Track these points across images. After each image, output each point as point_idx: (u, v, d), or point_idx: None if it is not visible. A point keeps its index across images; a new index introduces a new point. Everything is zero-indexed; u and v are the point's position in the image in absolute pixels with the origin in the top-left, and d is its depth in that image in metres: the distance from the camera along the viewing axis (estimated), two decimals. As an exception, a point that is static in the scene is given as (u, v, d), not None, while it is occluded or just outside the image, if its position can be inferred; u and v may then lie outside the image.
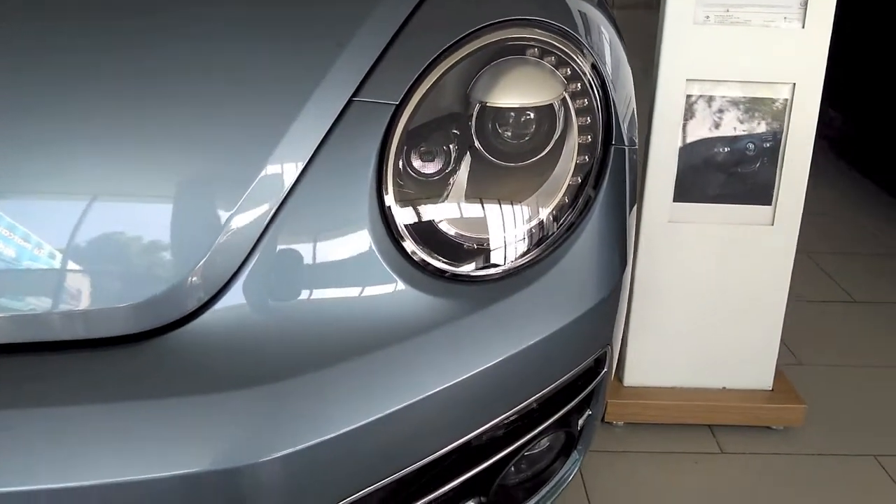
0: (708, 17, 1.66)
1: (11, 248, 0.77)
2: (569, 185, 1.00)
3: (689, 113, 1.69)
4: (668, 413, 1.77)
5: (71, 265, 0.79)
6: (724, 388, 1.81)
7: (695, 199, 1.72)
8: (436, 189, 0.94)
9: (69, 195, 0.79)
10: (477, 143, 0.97)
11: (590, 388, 1.06)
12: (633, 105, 1.15)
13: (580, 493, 1.58)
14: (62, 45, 0.83)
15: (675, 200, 1.71)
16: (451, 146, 0.96)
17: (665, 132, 1.69)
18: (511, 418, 0.94)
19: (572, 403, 1.02)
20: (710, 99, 1.69)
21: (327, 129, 0.86)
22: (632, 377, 1.80)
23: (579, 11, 1.08)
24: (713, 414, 1.78)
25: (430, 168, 0.95)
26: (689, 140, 1.70)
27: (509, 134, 0.99)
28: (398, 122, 0.90)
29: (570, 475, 1.10)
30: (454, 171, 0.96)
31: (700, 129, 1.70)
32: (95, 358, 0.77)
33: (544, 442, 1.06)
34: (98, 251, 0.79)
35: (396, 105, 0.90)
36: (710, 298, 1.76)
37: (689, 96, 1.68)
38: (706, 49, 1.65)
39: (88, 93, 0.81)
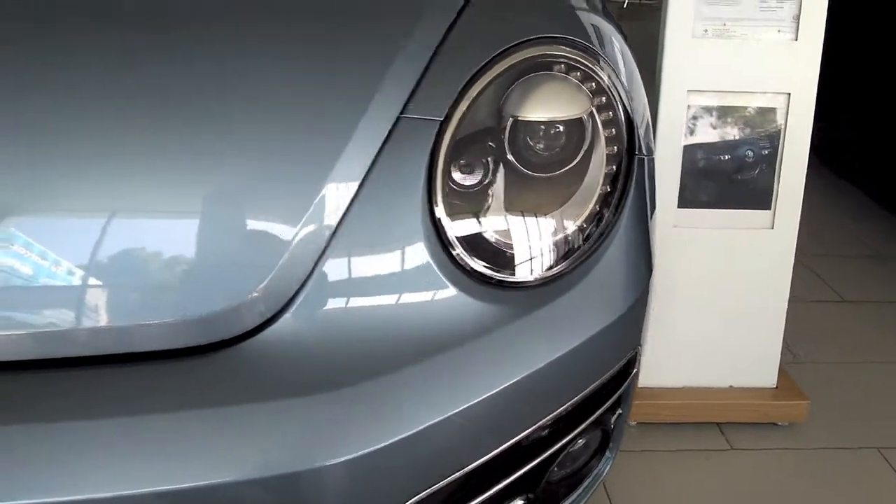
0: (706, 30, 1.74)
1: (92, 267, 0.80)
2: (599, 194, 1.05)
3: (690, 122, 1.76)
4: (679, 412, 1.83)
5: (151, 281, 0.82)
6: (730, 386, 1.87)
7: (697, 205, 1.79)
8: (476, 200, 0.99)
9: (144, 216, 0.83)
10: (510, 156, 1.02)
11: (622, 388, 1.12)
12: (648, 115, 1.21)
13: (600, 491, 1.63)
14: (137, 66, 0.87)
15: (678, 206, 1.78)
16: (488, 159, 1.01)
17: (668, 141, 1.75)
18: (555, 418, 0.99)
19: (608, 403, 1.07)
20: (710, 109, 1.76)
21: (379, 146, 0.90)
22: (644, 378, 1.86)
23: (593, 26, 1.14)
24: (721, 412, 1.85)
25: (469, 180, 1.00)
26: (690, 148, 1.77)
27: (541, 146, 1.04)
28: (444, 137, 0.95)
29: (605, 471, 1.15)
30: (491, 182, 1.01)
31: (701, 138, 1.77)
32: (171, 369, 0.81)
33: (581, 440, 1.11)
34: (179, 268, 0.83)
35: (441, 121, 0.95)
36: (715, 300, 1.83)
37: (689, 106, 1.75)
38: (705, 61, 1.72)
39: (168, 117, 0.85)
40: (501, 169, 1.01)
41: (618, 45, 1.17)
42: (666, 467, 1.73)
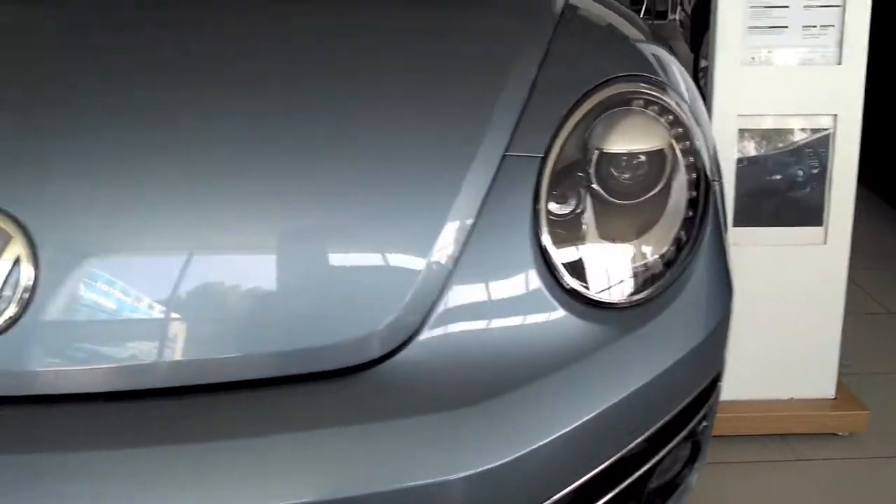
0: (753, 58, 1.82)
1: (259, 302, 0.90)
2: (683, 218, 1.12)
3: (742, 145, 1.84)
4: (742, 424, 1.89)
5: (307, 312, 0.91)
6: (790, 398, 1.93)
7: (752, 224, 1.86)
8: (571, 228, 1.07)
9: (295, 256, 0.93)
10: (597, 186, 1.10)
11: (710, 401, 1.18)
12: (714, 141, 1.29)
13: (674, 505, 1.69)
14: (278, 117, 0.98)
15: (734, 225, 1.85)
16: (579, 189, 1.09)
17: (722, 165, 1.83)
18: (657, 430, 1.05)
19: (700, 415, 1.14)
20: (760, 132, 1.84)
21: (489, 183, 0.99)
22: (705, 394, 1.91)
23: (656, 56, 1.23)
24: (783, 423, 1.90)
25: (562, 210, 1.08)
26: (743, 170, 1.85)
27: (626, 176, 1.12)
28: (545, 171, 1.04)
29: (693, 481, 1.21)
30: (582, 211, 1.09)
31: (753, 160, 1.85)
32: (320, 389, 0.89)
33: (675, 452, 1.18)
34: (331, 299, 0.92)
35: (542, 157, 1.04)
36: (773, 314, 1.89)
37: (741, 130, 1.83)
38: (754, 87, 1.81)
39: (314, 167, 0.95)
40: (590, 198, 1.09)
41: (678, 71, 1.26)
42: (734, 478, 1.78)
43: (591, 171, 1.09)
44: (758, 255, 1.86)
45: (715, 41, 1.80)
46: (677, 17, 6.94)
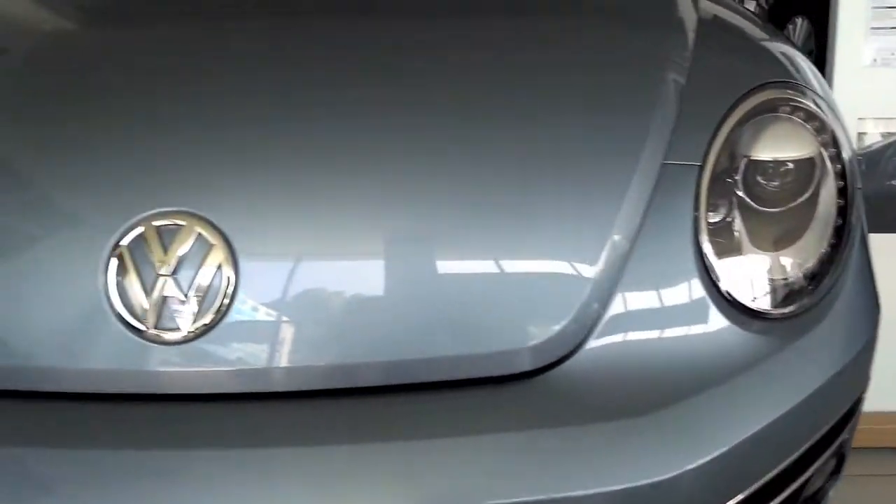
0: (875, 59, 1.77)
1: (438, 301, 0.92)
2: (834, 227, 1.10)
3: (862, 148, 1.79)
4: (864, 437, 1.83)
5: (484, 317, 0.93)
6: (904, 410, 1.87)
7: (877, 230, 1.80)
8: (726, 236, 1.06)
9: (475, 259, 0.95)
10: (743, 193, 1.08)
11: (854, 415, 1.16)
12: (854, 146, 1.25)
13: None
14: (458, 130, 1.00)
15: (852, 232, 1.81)
16: (730, 198, 1.08)
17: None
18: (813, 442, 1.04)
19: (848, 427, 1.12)
20: (882, 134, 1.79)
21: (650, 192, 0.99)
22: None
23: (789, 58, 1.20)
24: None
25: (714, 218, 1.07)
26: (863, 175, 1.79)
27: (774, 184, 1.10)
28: (703, 179, 1.03)
29: (831, 493, 1.19)
30: (734, 219, 1.07)
31: (874, 164, 1.80)
32: (493, 394, 0.91)
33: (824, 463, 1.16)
34: (507, 305, 0.93)
35: (700, 165, 1.03)
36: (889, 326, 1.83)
37: (861, 133, 1.78)
38: (875, 89, 1.76)
39: (490, 170, 0.97)
40: (739, 206, 1.08)
41: (810, 71, 1.23)
42: (857, 492, 1.74)
43: (739, 178, 1.08)
44: (879, 263, 1.80)
45: (835, 43, 1.76)
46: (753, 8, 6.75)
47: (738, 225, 1.07)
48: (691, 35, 1.19)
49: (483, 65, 1.09)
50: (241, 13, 1.21)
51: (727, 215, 1.07)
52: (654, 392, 0.92)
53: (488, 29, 1.17)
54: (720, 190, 1.07)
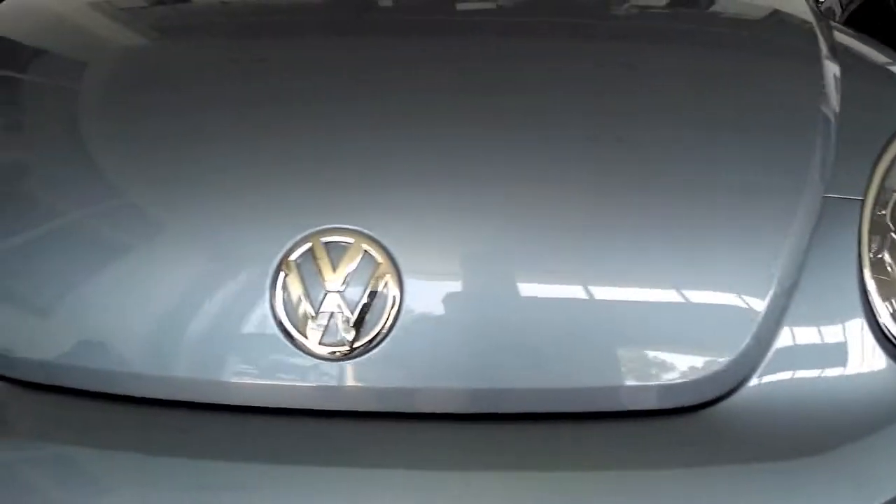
0: None
1: (595, 333, 0.91)
2: None
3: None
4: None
5: (646, 351, 0.92)
6: None
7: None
8: (883, 272, 1.02)
9: (639, 288, 0.94)
10: (894, 229, 1.06)
11: None
12: None
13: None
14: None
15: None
16: (884, 233, 1.05)
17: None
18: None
19: None
20: None
21: (813, 226, 0.97)
22: None
23: None
24: None
25: (871, 253, 1.04)
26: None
27: None
28: (864, 213, 1.01)
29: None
30: (886, 254, 1.05)
31: None
32: (652, 427, 0.90)
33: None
34: (674, 338, 0.92)
35: (861, 200, 1.01)
36: None
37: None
38: None
39: (655, 202, 0.97)
40: (891, 241, 1.06)
41: None
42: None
43: (888, 212, 1.06)
44: None
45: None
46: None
47: (888, 258, 1.05)
48: (835, 67, 1.19)
49: (650, 95, 1.09)
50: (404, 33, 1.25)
51: (880, 250, 1.05)
52: (820, 432, 0.89)
53: (645, 62, 1.17)
54: (876, 224, 1.05)
